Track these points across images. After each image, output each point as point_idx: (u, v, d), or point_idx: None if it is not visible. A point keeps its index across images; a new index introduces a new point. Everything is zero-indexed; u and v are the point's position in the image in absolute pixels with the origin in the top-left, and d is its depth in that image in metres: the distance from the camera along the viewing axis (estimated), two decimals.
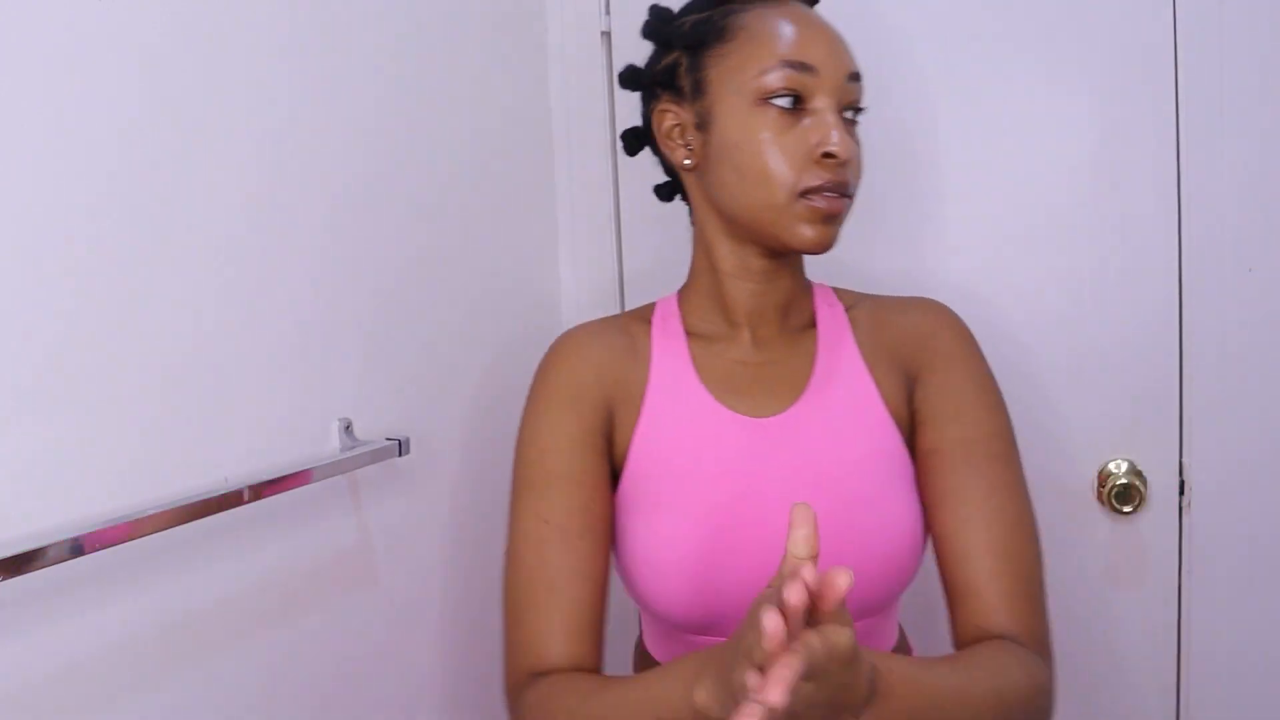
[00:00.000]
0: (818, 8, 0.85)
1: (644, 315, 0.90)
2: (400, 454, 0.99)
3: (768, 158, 0.76)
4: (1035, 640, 0.78)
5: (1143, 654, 1.22)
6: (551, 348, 0.88)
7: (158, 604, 0.79)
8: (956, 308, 1.25)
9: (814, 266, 0.93)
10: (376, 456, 0.97)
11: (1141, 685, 1.23)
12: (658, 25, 0.86)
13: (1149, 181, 1.17)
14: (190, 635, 0.82)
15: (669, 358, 0.85)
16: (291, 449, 0.91)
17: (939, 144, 1.24)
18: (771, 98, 0.76)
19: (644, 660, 0.91)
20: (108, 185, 0.74)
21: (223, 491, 0.79)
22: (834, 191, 0.76)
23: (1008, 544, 0.79)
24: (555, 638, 0.78)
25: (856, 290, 0.93)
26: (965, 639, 0.78)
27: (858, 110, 0.81)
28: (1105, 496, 1.19)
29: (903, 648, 0.92)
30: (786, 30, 0.77)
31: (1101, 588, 1.23)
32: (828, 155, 0.75)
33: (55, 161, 0.70)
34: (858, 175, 0.80)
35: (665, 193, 0.94)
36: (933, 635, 1.02)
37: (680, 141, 0.83)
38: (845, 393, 0.82)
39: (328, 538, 0.97)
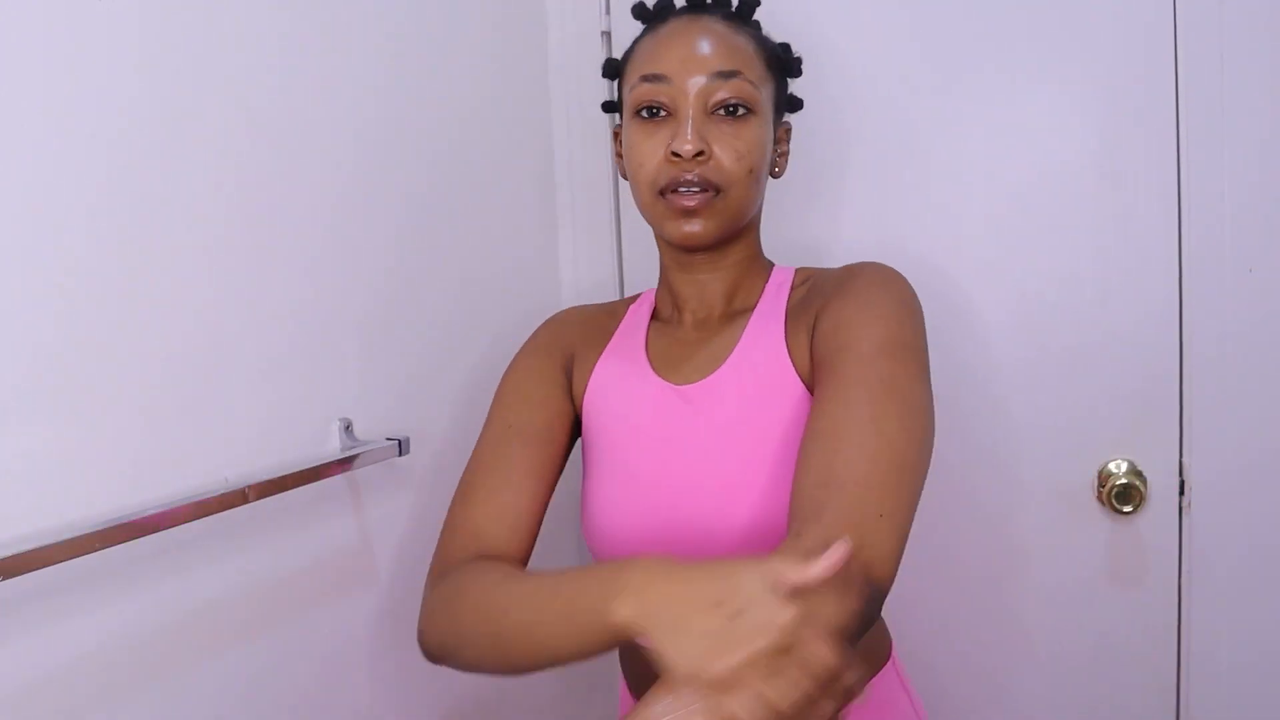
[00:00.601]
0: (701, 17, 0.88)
1: (630, 300, 1.02)
2: (400, 454, 1.00)
3: (636, 162, 0.85)
4: (814, 523, 0.65)
5: (1143, 654, 1.22)
6: (542, 324, 1.01)
7: (158, 604, 0.79)
8: (956, 307, 1.25)
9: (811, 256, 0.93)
10: (376, 456, 0.97)
11: (1141, 685, 1.23)
12: (609, 61, 0.96)
13: (1149, 181, 1.17)
14: (190, 635, 0.82)
15: (630, 333, 0.95)
16: (291, 449, 0.91)
17: (939, 144, 1.24)
18: (639, 109, 0.85)
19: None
20: (107, 184, 0.74)
21: (223, 491, 0.79)
22: (687, 187, 0.81)
23: (856, 428, 0.69)
24: (497, 525, 0.84)
25: (819, 267, 0.93)
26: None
27: (739, 107, 0.83)
28: (1105, 496, 1.19)
29: (879, 634, 0.93)
30: (651, 47, 0.86)
31: (1101, 588, 1.23)
32: (674, 154, 0.81)
33: (53, 161, 0.70)
34: (730, 168, 0.82)
35: None
36: (915, 627, 1.03)
37: (619, 158, 0.93)
38: (760, 360, 0.85)
39: (328, 538, 0.97)
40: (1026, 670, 1.27)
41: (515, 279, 1.28)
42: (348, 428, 0.97)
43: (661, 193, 0.83)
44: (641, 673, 0.91)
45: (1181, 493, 1.19)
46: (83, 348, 0.72)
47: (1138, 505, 1.18)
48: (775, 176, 0.93)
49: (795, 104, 0.97)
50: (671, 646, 0.56)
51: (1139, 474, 1.20)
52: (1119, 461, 1.21)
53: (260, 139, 0.88)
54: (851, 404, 0.71)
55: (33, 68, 0.69)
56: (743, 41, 0.86)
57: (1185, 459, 1.19)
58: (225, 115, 0.84)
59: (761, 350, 0.85)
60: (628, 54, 0.91)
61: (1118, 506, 1.18)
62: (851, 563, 0.59)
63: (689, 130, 0.81)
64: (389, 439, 1.00)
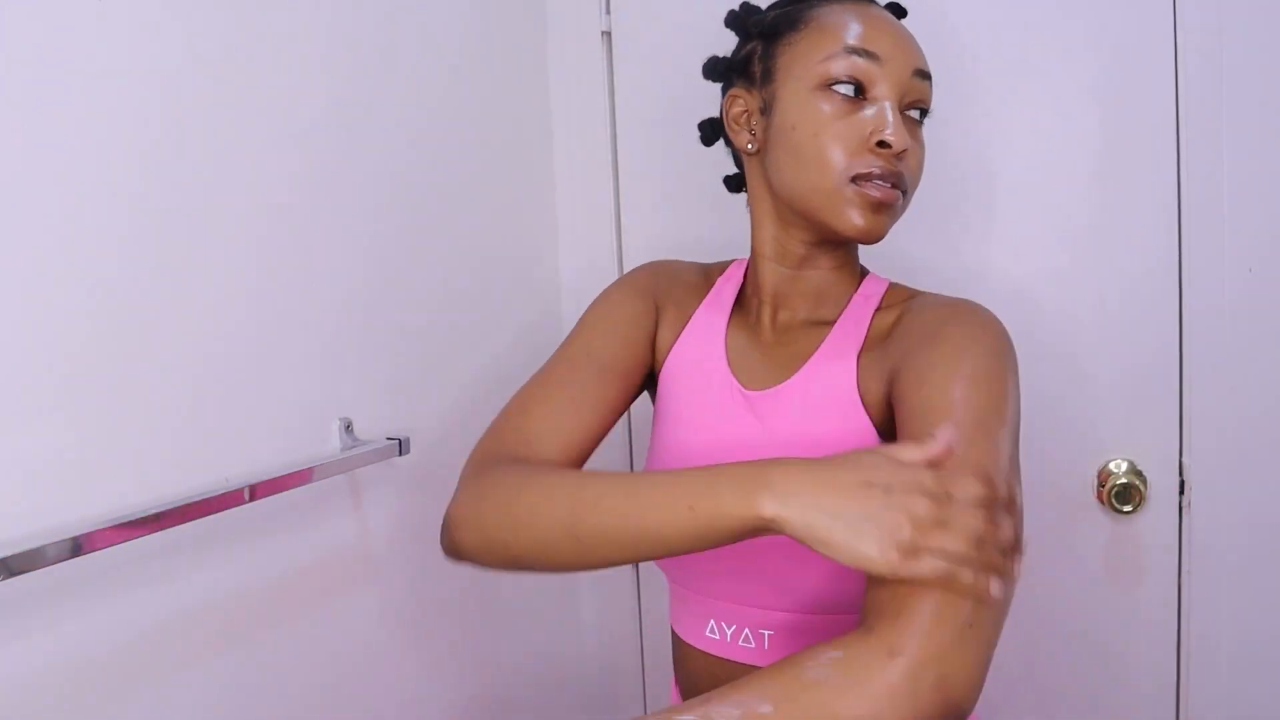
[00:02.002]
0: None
1: (720, 270, 0.95)
2: (400, 454, 1.00)
3: (823, 140, 0.77)
4: (884, 616, 0.61)
5: (1143, 654, 1.22)
6: (637, 267, 0.96)
7: (158, 603, 0.79)
8: None
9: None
10: (376, 456, 0.97)
11: (1141, 685, 1.23)
12: (741, 16, 0.89)
13: (1149, 181, 1.17)
14: (191, 634, 0.82)
15: (715, 313, 0.90)
16: (291, 449, 0.91)
17: (938, 144, 1.24)
18: (833, 84, 0.77)
19: (675, 641, 0.91)
20: (107, 192, 0.74)
21: (223, 491, 0.79)
22: (885, 180, 0.77)
23: None
24: (552, 442, 0.80)
25: (917, 289, 0.89)
26: None
27: (924, 111, 0.82)
28: (1105, 496, 1.19)
29: None
30: (855, 21, 0.79)
31: (1101, 588, 1.23)
32: (882, 144, 0.76)
33: (53, 167, 0.70)
34: (915, 173, 0.80)
35: (733, 185, 0.96)
36: None
37: (744, 126, 0.85)
38: (829, 381, 0.82)
39: (328, 538, 0.97)
40: (1027, 670, 1.27)
41: (516, 279, 1.28)
42: (348, 428, 0.97)
43: (854, 179, 0.77)
44: (696, 677, 0.87)
45: (1181, 492, 1.19)
46: (82, 350, 0.72)
47: (1138, 505, 1.18)
48: None
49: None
50: (839, 535, 0.58)
51: (1139, 474, 1.20)
52: (1119, 461, 1.21)
53: (260, 143, 0.88)
54: None
55: (67, 80, 0.69)
56: None
57: (1185, 459, 1.19)
58: (230, 121, 0.84)
59: (832, 371, 0.82)
60: (793, 17, 0.82)
61: (1118, 506, 1.18)
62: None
63: (900, 124, 0.76)
64: (389, 439, 0.99)
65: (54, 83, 0.70)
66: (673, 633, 0.92)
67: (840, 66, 0.77)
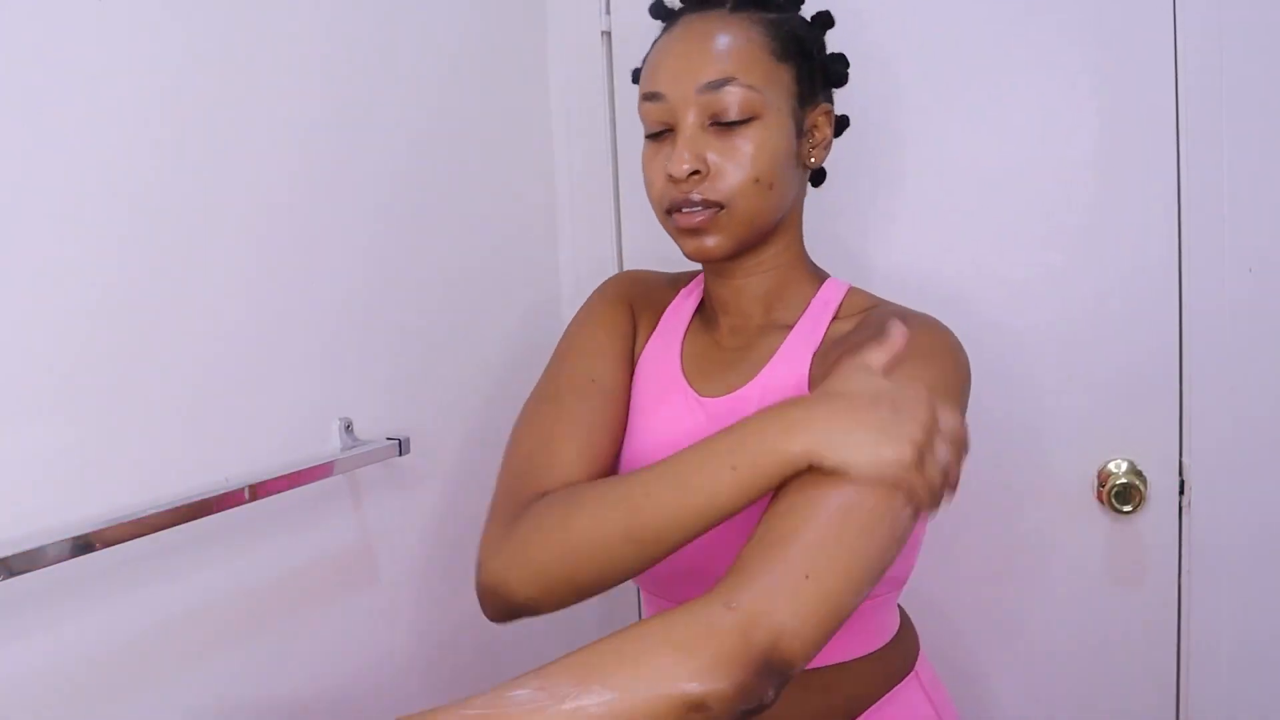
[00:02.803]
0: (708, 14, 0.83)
1: (687, 280, 0.98)
2: (400, 454, 1.00)
3: (646, 181, 0.84)
4: (735, 574, 0.60)
5: (1143, 654, 1.22)
6: (608, 280, 0.98)
7: (158, 603, 0.79)
8: (955, 308, 1.25)
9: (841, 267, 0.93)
10: (376, 456, 0.97)
11: (1141, 685, 1.23)
12: (635, 68, 0.91)
13: (1149, 181, 1.17)
14: (191, 634, 0.82)
15: (675, 323, 0.93)
16: (291, 449, 0.91)
17: (938, 144, 1.24)
18: (648, 132, 0.83)
19: None
20: (106, 192, 0.74)
21: (223, 491, 0.79)
22: (690, 206, 0.80)
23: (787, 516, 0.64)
24: (576, 468, 0.81)
25: (881, 299, 0.88)
26: None
27: (734, 121, 0.79)
28: (1105, 496, 1.19)
29: (907, 634, 0.92)
30: (650, 62, 0.84)
31: (1101, 588, 1.23)
32: (670, 177, 0.80)
33: (51, 168, 0.71)
34: (732, 180, 0.79)
35: None
36: (916, 625, 1.02)
37: None
38: (786, 384, 0.83)
39: (328, 538, 0.97)
40: (1027, 669, 1.27)
41: (516, 279, 1.28)
42: (348, 428, 0.97)
43: (669, 212, 0.82)
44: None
45: (1181, 492, 1.19)
46: (83, 350, 0.72)
47: (1138, 505, 1.18)
48: (811, 166, 0.86)
49: (836, 79, 0.89)
50: (858, 452, 0.61)
51: (1139, 474, 1.20)
52: (1119, 461, 1.21)
53: (260, 143, 0.88)
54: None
55: (67, 80, 0.69)
56: (744, 36, 0.80)
57: (1185, 459, 1.19)
58: (229, 122, 0.85)
59: (788, 375, 0.83)
60: (645, 60, 0.87)
61: (1118, 506, 1.18)
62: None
63: (682, 151, 0.79)
64: (389, 439, 1.00)
65: (54, 83, 0.70)
66: None
67: (644, 117, 0.83)
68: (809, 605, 0.58)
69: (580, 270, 1.38)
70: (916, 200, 1.26)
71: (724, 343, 0.89)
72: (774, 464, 0.64)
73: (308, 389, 0.94)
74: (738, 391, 0.84)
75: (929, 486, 0.63)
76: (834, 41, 1.28)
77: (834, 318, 0.86)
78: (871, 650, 0.85)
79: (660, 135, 0.82)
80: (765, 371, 0.84)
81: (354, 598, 1.00)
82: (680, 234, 0.82)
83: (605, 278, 1.37)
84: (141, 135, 0.77)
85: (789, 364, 0.83)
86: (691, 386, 0.87)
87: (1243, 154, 1.13)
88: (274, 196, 0.90)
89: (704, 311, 0.93)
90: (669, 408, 0.87)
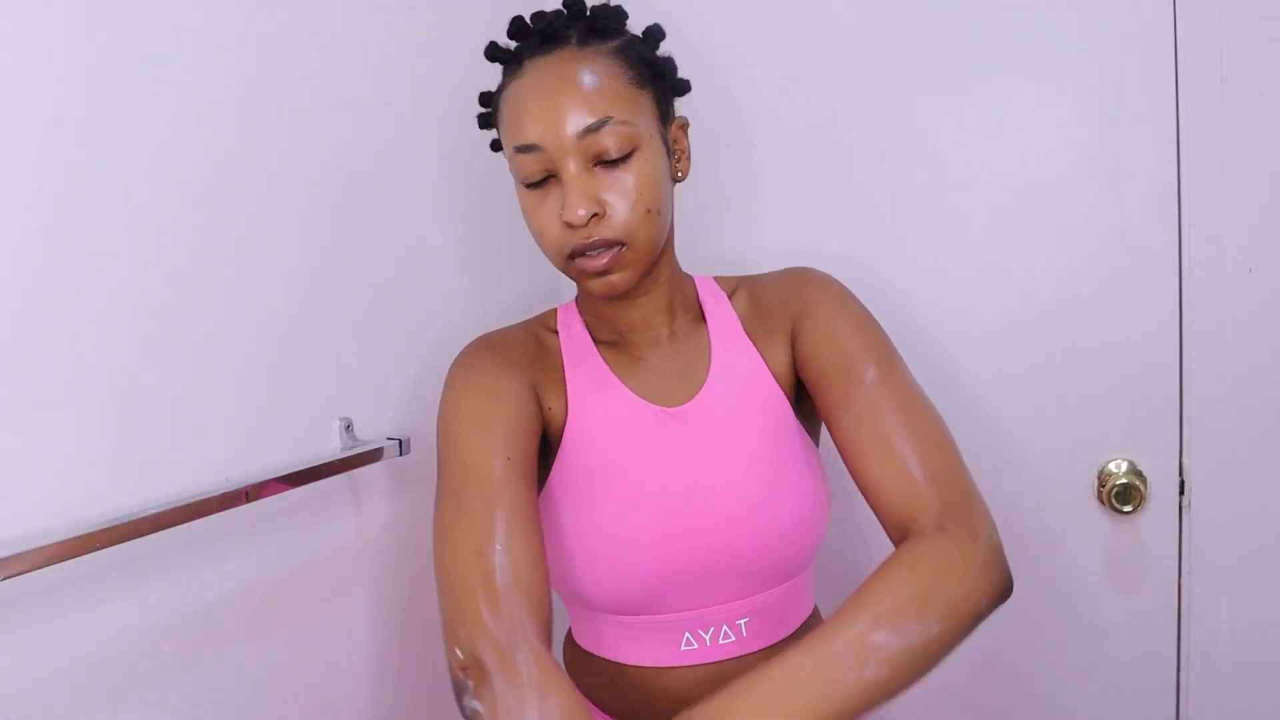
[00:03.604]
0: (555, 56, 0.82)
1: (547, 322, 0.96)
2: (400, 454, 1.00)
3: (536, 230, 0.83)
4: (954, 513, 0.76)
5: (1143, 654, 1.22)
6: (465, 350, 0.90)
7: (158, 603, 0.79)
8: (955, 308, 1.25)
9: (786, 258, 0.93)
10: (376, 456, 0.97)
11: (1141, 685, 1.23)
12: (479, 114, 0.92)
13: (1149, 181, 1.17)
14: (191, 634, 0.82)
15: (582, 358, 0.90)
16: (291, 449, 0.91)
17: (938, 144, 1.24)
18: (521, 180, 0.82)
19: (573, 650, 0.93)
20: (107, 187, 0.75)
21: (223, 491, 0.80)
22: (593, 249, 0.80)
23: (901, 431, 0.79)
24: (531, 582, 0.74)
25: (735, 275, 0.97)
26: (892, 534, 0.79)
27: (615, 158, 0.79)
28: (1105, 496, 1.19)
29: (815, 618, 0.95)
30: (514, 111, 0.81)
31: (1101, 588, 1.23)
32: (568, 224, 0.79)
33: (51, 164, 0.71)
34: (628, 214, 0.80)
35: None
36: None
37: None
38: (739, 376, 0.88)
39: (328, 538, 0.97)
40: (1027, 669, 1.27)
41: (515, 278, 1.28)
42: (348, 428, 0.97)
43: (571, 258, 0.81)
44: (673, 698, 0.85)
45: (1181, 493, 1.19)
46: (83, 348, 0.73)
47: (1138, 505, 1.18)
48: (679, 180, 0.88)
49: (681, 89, 0.90)
50: None
51: (1139, 474, 1.20)
52: (1119, 461, 1.21)
53: (260, 140, 0.88)
54: (882, 416, 0.80)
55: (63, 85, 0.69)
56: (603, 71, 0.80)
57: (1185, 459, 1.19)
58: (226, 117, 0.85)
59: (738, 364, 0.88)
60: (495, 104, 0.86)
61: (1118, 506, 1.18)
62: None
63: (576, 197, 0.78)
64: (389, 439, 1.00)
65: (54, 82, 0.70)
66: (575, 645, 0.92)
67: (521, 169, 0.81)
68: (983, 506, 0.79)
69: None
70: (916, 200, 1.26)
71: (648, 357, 0.90)
72: None
73: (308, 389, 0.94)
74: (699, 395, 0.87)
75: None
76: (832, 44, 1.28)
77: (729, 299, 0.93)
78: (804, 621, 0.90)
79: (542, 183, 0.81)
80: (714, 370, 0.87)
81: (354, 598, 1.00)
82: (585, 277, 0.82)
83: None
84: (141, 137, 0.77)
85: (731, 351, 0.88)
86: (651, 403, 0.87)
87: (1243, 154, 1.13)
88: (274, 197, 0.90)
89: (601, 339, 0.92)
90: (637, 426, 0.85)
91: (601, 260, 0.80)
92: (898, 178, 1.26)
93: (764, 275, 0.95)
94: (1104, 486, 1.20)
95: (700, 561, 0.82)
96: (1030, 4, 1.19)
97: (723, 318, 0.91)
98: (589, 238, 0.79)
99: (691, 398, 0.87)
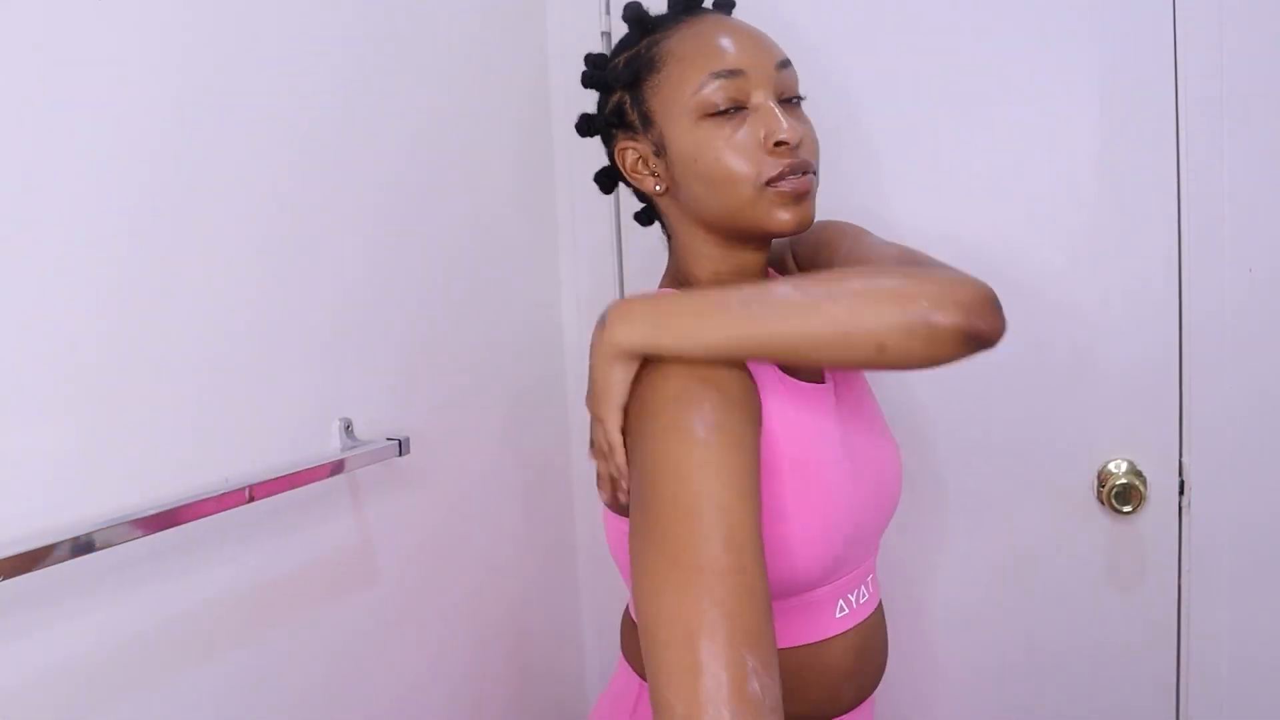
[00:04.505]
0: (736, 11, 0.90)
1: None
2: (400, 454, 1.00)
3: (727, 161, 0.81)
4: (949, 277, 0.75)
5: (1142, 654, 1.22)
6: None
7: (158, 603, 0.79)
8: None
9: None
10: (376, 456, 0.97)
11: (1141, 685, 1.23)
12: (594, 72, 0.92)
13: (1149, 181, 1.17)
14: (190, 634, 0.82)
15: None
16: (291, 449, 0.91)
17: (938, 144, 1.24)
18: (712, 110, 0.81)
19: (632, 628, 0.89)
20: (111, 192, 0.74)
21: (223, 491, 0.79)
22: (795, 172, 0.81)
23: (886, 249, 0.86)
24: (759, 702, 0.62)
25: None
26: None
27: (797, 97, 0.85)
28: (1105, 496, 1.19)
29: None
30: (708, 44, 0.82)
31: (1101, 588, 1.23)
32: (779, 143, 0.80)
33: (61, 170, 0.71)
34: (815, 152, 0.84)
35: (644, 218, 0.98)
36: (917, 625, 1.03)
37: (646, 171, 0.88)
38: None
39: (328, 538, 0.97)
40: (1026, 669, 1.27)
41: (516, 278, 1.28)
42: (348, 428, 0.97)
43: (769, 183, 0.80)
44: (833, 667, 0.85)
45: (1181, 493, 1.19)
46: (83, 350, 0.72)
47: (1138, 505, 1.18)
48: None
49: None
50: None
51: (1139, 474, 1.20)
52: (1119, 461, 1.21)
53: (261, 144, 0.88)
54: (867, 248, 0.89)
55: (72, 76, 0.69)
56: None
57: (1185, 459, 1.19)
58: (231, 122, 0.85)
59: None
60: (648, 58, 0.85)
61: (1118, 506, 1.18)
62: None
63: (786, 119, 0.80)
64: (389, 439, 1.00)
65: (55, 82, 0.70)
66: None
67: (714, 95, 0.80)
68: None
69: (580, 269, 1.38)
70: (916, 201, 1.26)
71: None
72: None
73: (308, 389, 0.94)
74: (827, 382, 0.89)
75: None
76: (832, 45, 1.28)
77: (788, 259, 0.99)
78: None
79: (727, 113, 0.81)
80: None
81: (354, 598, 1.00)
82: (779, 204, 0.81)
83: (605, 277, 1.38)
84: (141, 135, 0.77)
85: None
86: (808, 383, 0.83)
87: (1243, 154, 1.13)
88: (274, 197, 0.90)
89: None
90: (814, 409, 0.82)
91: (801, 184, 0.81)
92: (897, 179, 1.26)
93: (781, 242, 0.99)
94: (1104, 486, 1.20)
95: (884, 510, 0.88)
96: (1030, 5, 1.19)
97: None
98: (802, 159, 0.81)
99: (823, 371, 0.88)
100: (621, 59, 0.88)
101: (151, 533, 0.73)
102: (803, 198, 0.82)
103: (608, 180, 0.97)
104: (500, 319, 1.24)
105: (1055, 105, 1.20)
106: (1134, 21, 1.16)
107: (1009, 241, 1.23)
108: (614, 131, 0.90)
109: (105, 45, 0.74)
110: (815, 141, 0.84)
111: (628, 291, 1.39)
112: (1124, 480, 1.18)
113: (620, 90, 0.88)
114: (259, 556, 0.88)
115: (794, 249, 0.98)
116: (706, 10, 0.87)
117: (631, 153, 0.88)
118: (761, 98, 0.81)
